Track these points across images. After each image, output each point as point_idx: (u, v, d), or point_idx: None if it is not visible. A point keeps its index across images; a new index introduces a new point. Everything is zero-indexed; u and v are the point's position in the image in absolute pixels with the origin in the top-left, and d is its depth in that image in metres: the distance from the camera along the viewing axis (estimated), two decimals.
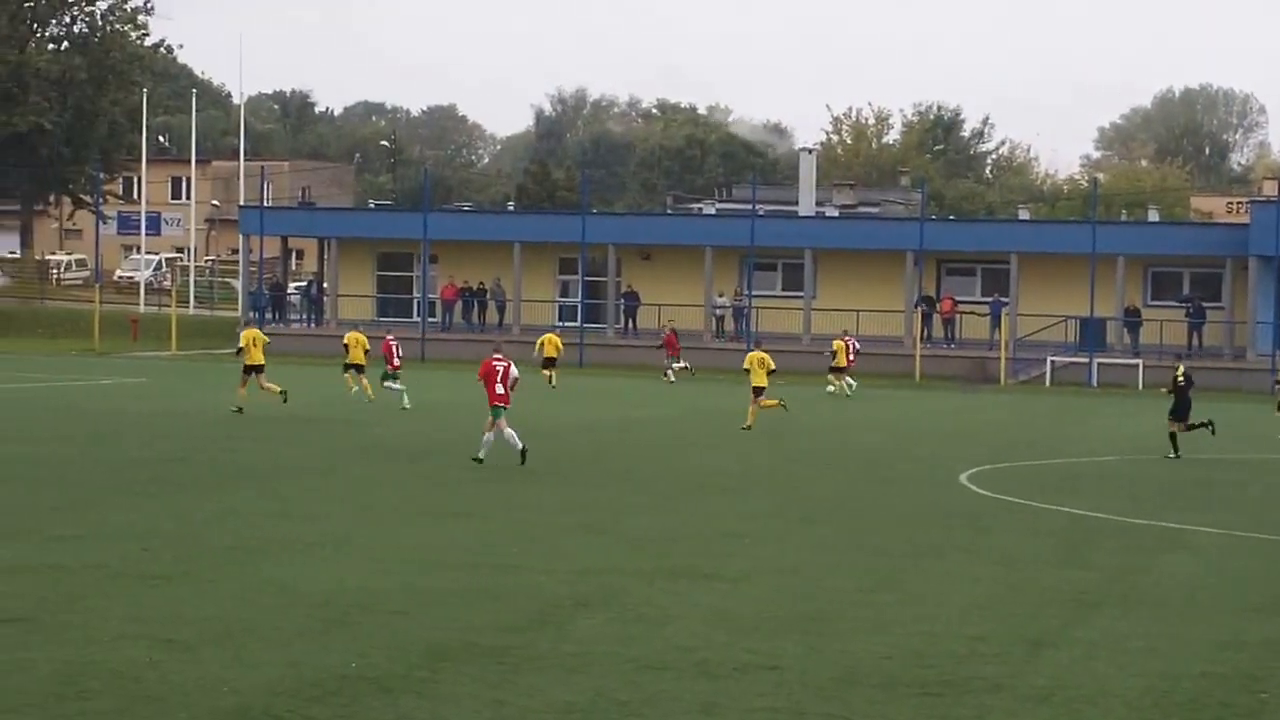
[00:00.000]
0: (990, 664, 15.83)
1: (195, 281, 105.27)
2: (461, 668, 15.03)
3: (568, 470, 32.15)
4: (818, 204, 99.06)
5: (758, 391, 43.46)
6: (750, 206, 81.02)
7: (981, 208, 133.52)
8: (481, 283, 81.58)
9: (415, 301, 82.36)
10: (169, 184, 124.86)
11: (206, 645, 15.52)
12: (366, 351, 50.72)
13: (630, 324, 79.13)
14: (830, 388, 59.22)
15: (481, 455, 31.79)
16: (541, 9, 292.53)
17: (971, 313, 76.83)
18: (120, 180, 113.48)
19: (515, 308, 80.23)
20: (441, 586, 18.94)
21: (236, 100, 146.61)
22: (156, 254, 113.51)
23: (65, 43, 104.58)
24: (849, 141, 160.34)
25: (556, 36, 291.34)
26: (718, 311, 79.45)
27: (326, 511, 25.09)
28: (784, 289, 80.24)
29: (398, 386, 48.06)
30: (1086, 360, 71.91)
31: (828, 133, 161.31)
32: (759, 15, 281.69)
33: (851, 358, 60.02)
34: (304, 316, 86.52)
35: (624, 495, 28.39)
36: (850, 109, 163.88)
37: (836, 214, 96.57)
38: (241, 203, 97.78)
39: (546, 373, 58.97)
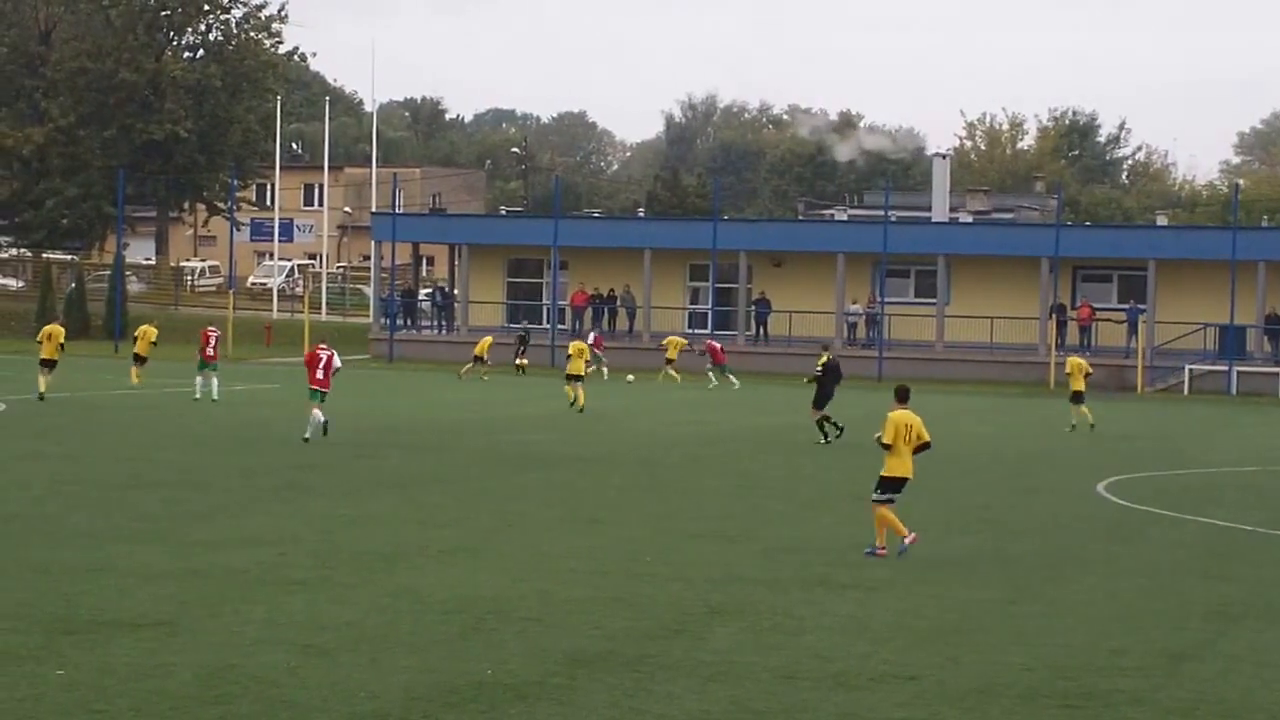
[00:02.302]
0: (1131, 677, 15.64)
1: (327, 288, 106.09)
2: (598, 675, 15.01)
3: (699, 479, 32.11)
4: (951, 210, 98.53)
5: (572, 379, 48.38)
6: (883, 212, 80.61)
7: (1118, 214, 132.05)
8: (612, 289, 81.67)
9: (545, 308, 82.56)
10: (301, 191, 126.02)
11: (344, 651, 15.60)
12: (154, 344, 51.05)
13: (762, 331, 78.90)
14: (670, 379, 66.03)
15: (308, 435, 35.57)
16: (672, 15, 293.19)
17: (1108, 320, 76.00)
18: (254, 187, 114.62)
19: (645, 314, 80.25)
20: (578, 594, 18.94)
21: (368, 107, 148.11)
22: (289, 260, 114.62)
23: (200, 51, 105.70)
24: (983, 147, 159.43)
25: (684, 42, 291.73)
26: (850, 319, 79.12)
27: (461, 518, 25.18)
28: (917, 296, 79.76)
29: (199, 380, 48.03)
30: (1226, 368, 70.94)
31: (961, 138, 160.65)
32: (889, 20, 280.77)
33: (723, 358, 66.26)
34: (435, 323, 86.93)
35: (758, 504, 28.31)
36: (984, 114, 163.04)
37: (970, 220, 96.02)
38: (373, 209, 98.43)
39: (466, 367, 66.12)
